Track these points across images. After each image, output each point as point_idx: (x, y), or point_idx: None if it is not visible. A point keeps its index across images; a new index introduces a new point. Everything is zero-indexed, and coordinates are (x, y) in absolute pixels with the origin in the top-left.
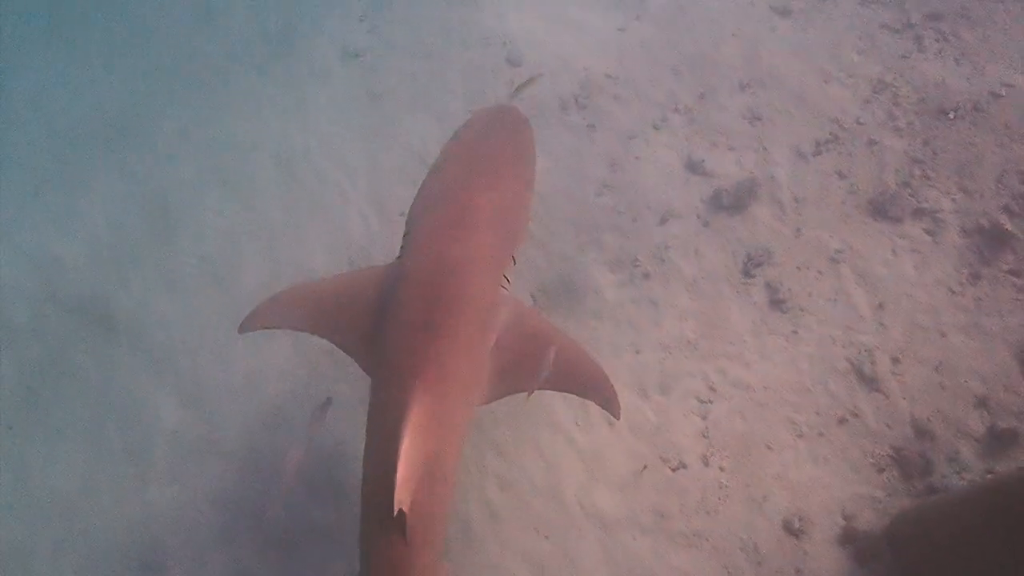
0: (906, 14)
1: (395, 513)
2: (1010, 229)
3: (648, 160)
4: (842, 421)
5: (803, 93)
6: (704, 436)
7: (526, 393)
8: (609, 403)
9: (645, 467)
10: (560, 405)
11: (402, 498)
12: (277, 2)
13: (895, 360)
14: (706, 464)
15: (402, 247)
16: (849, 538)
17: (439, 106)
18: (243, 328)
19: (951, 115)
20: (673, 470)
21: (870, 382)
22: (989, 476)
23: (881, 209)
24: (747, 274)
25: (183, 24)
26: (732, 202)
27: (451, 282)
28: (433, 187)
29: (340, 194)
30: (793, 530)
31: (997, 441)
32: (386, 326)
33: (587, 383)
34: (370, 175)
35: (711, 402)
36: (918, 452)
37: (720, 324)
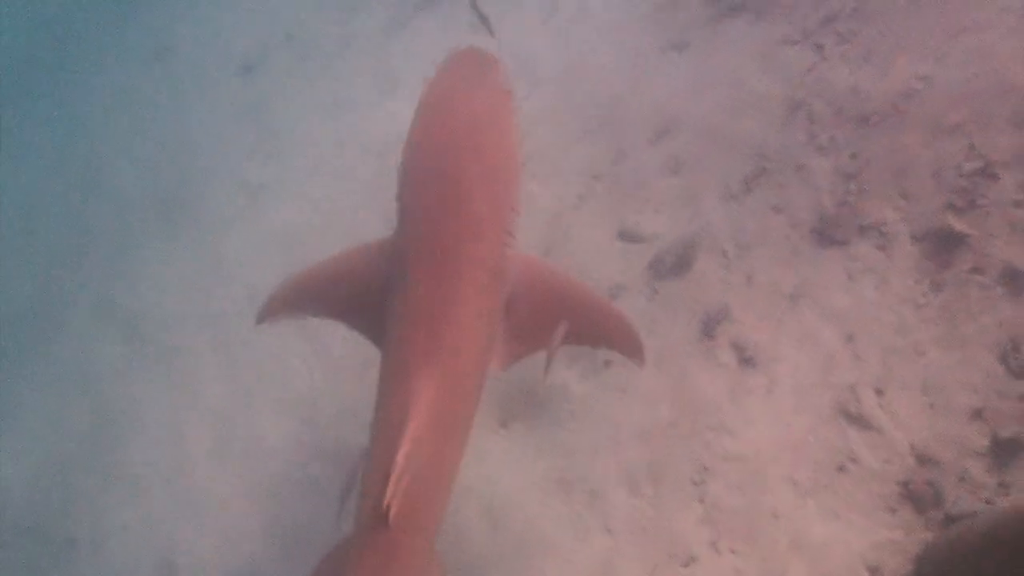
0: (800, 22)
1: (388, 501)
2: (959, 229)
3: (579, 237)
4: (841, 469)
5: (717, 131)
6: (707, 521)
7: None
8: (634, 351)
9: (655, 569)
10: (549, 523)
11: (397, 489)
12: (164, 154)
13: (879, 392)
14: (717, 551)
15: (397, 221)
16: None
17: (357, 232)
18: (260, 320)
19: (871, 121)
20: (685, 566)
21: (859, 421)
22: (1007, 503)
23: (826, 235)
24: (709, 336)
25: (72, 200)
26: (675, 263)
27: (450, 259)
28: (417, 152)
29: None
30: None
31: (1003, 451)
32: (393, 301)
33: (609, 333)
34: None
35: (705, 482)
36: (925, 481)
37: (695, 397)
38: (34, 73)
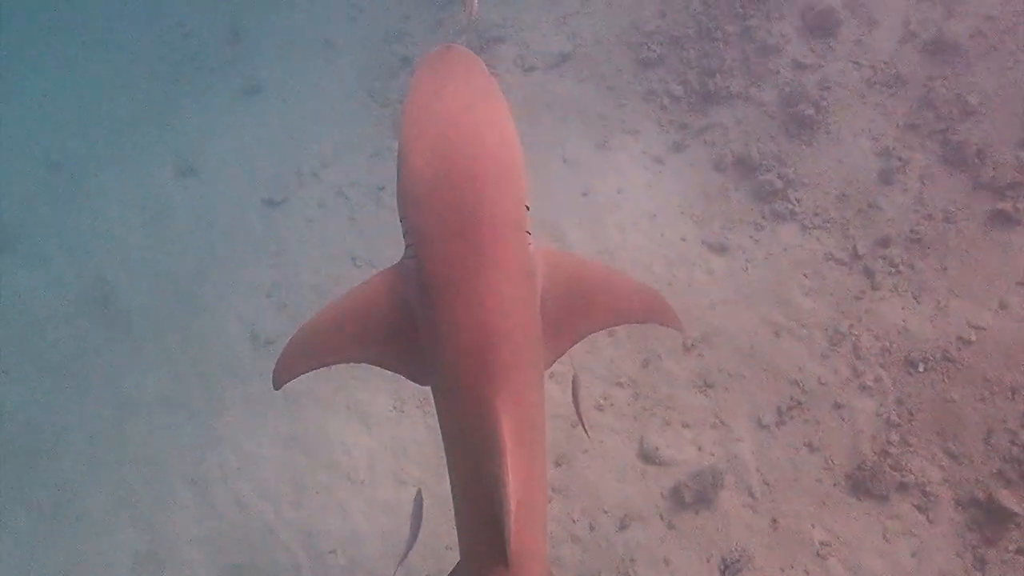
0: (852, 240)
1: (508, 550)
2: (1008, 505)
3: (597, 452)
4: None
5: (754, 350)
6: None
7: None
8: (670, 320)
9: None
10: None
11: (512, 534)
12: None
13: None
14: None
15: (408, 245)
16: None
17: (363, 406)
18: (278, 384)
19: (921, 367)
20: None
21: None
22: None
23: (863, 486)
24: None
25: (81, 325)
26: (696, 497)
27: (482, 273)
28: (416, 160)
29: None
30: None
31: None
32: (433, 339)
33: (644, 311)
34: (296, 499)
35: None
36: None
37: None
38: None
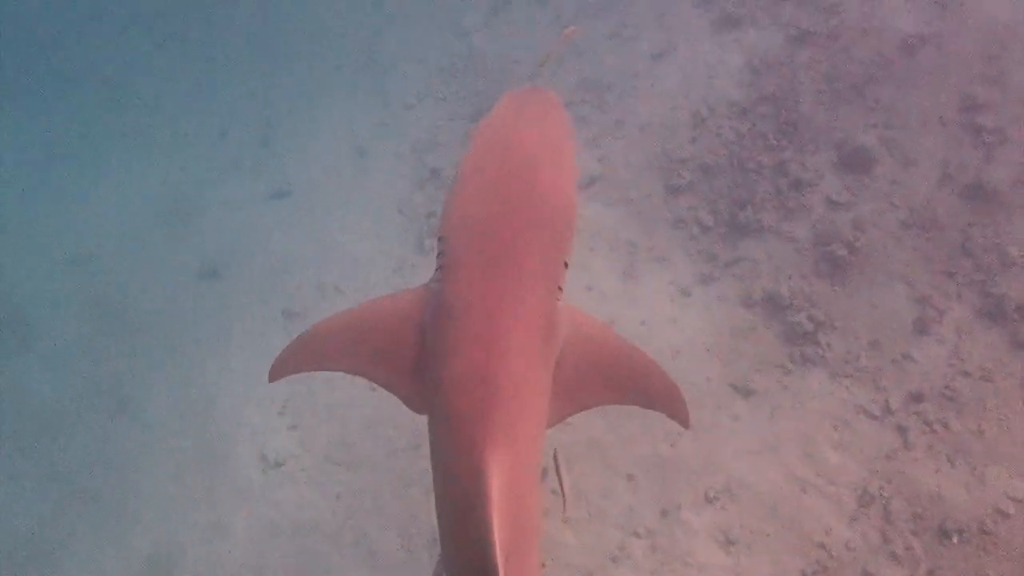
0: (884, 393)
1: None
2: None
3: None
4: None
5: (779, 506)
6: None
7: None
8: (679, 413)
9: None
10: None
11: None
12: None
13: None
14: None
15: (438, 267)
16: None
17: (370, 542)
18: (273, 376)
19: (955, 538)
20: None
21: None
22: None
23: None
24: None
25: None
26: None
27: (504, 314)
28: (463, 197)
29: None
30: None
31: None
32: (437, 367)
33: (655, 395)
34: None
35: None
36: None
37: None
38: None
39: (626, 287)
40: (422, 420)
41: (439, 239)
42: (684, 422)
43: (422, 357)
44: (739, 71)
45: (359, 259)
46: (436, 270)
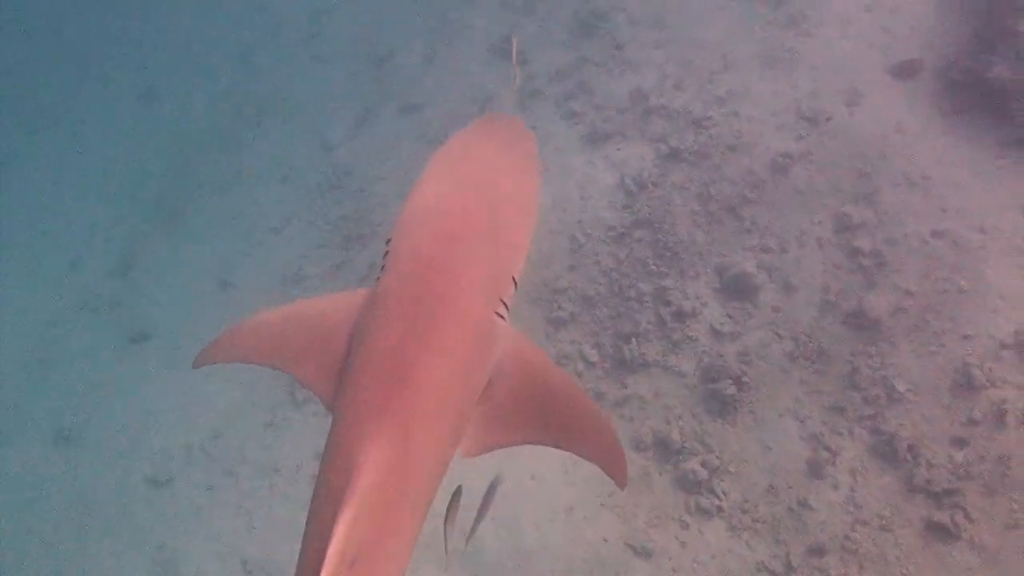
0: (784, 547)
1: None
2: None
3: None
4: None
5: None
6: None
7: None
8: (616, 469)
9: None
10: None
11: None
12: None
13: None
14: None
15: (381, 267)
16: None
17: None
18: (197, 363)
19: None
20: None
21: None
22: None
23: None
24: None
25: None
26: None
27: (432, 311)
28: (417, 199)
29: None
30: None
31: None
32: (353, 360)
33: (593, 443)
34: None
35: None
36: None
37: None
38: None
39: None
40: None
41: (386, 241)
42: (620, 481)
43: (345, 352)
44: (612, 191)
45: (229, 412)
46: (380, 269)
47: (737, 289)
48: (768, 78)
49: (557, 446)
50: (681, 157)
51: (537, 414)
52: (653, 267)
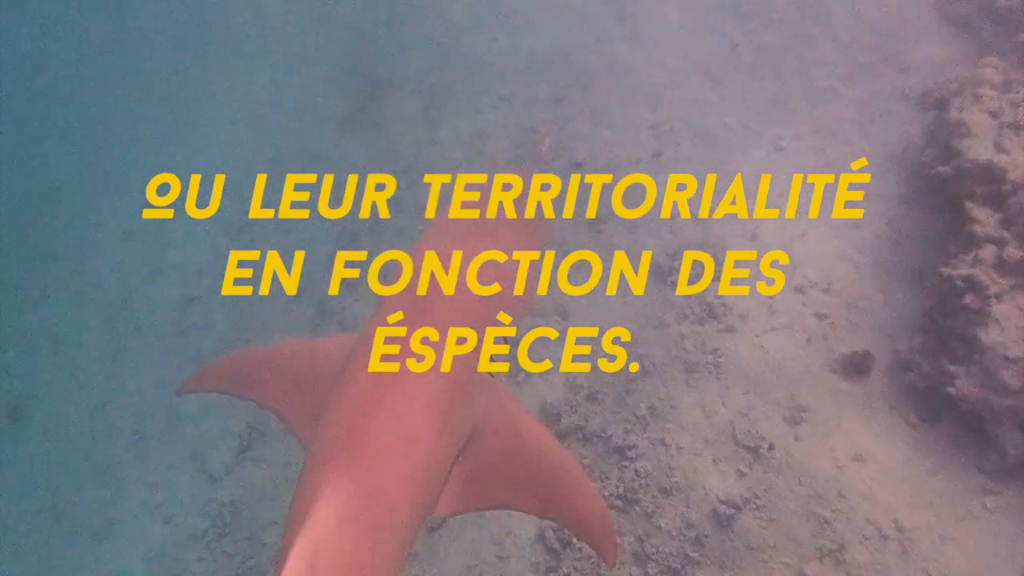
0: None
1: None
2: None
3: None
4: None
5: None
6: None
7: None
8: (604, 545)
9: None
10: None
11: None
12: None
13: None
14: None
15: (376, 305)
16: None
17: None
18: (184, 390)
19: None
20: None
21: None
22: None
23: None
24: None
25: None
26: None
27: (406, 374)
28: (418, 247)
29: None
30: None
31: None
32: (336, 392)
33: (579, 515)
34: None
35: None
36: None
37: None
38: None
39: None
40: None
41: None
42: (609, 559)
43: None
44: (532, 544)
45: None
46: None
47: None
48: (695, 388)
49: (543, 515)
50: (609, 503)
51: (519, 478)
52: None
